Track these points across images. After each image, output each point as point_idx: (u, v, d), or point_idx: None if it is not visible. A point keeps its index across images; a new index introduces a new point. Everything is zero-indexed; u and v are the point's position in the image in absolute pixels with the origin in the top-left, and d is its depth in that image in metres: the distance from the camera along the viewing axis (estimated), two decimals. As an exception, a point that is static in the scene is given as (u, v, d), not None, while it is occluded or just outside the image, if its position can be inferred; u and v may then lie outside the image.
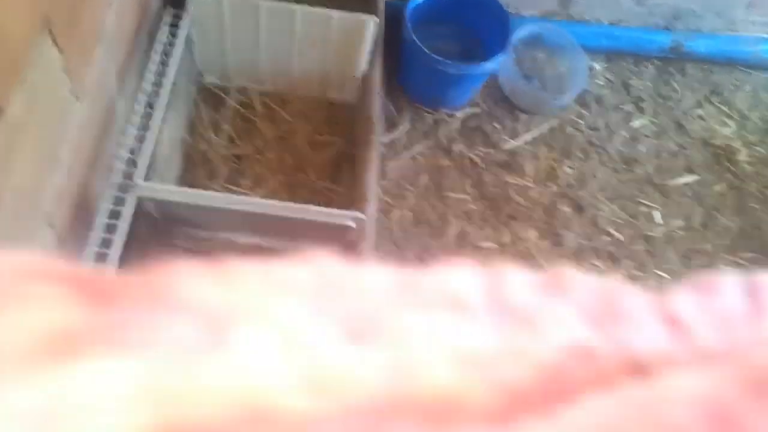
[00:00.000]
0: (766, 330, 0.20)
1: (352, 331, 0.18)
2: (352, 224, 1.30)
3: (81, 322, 0.17)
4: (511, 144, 1.97)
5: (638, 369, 0.18)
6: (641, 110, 2.12)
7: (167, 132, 1.43)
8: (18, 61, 0.89)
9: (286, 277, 0.20)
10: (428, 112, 1.98)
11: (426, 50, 1.78)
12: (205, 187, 1.55)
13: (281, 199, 1.57)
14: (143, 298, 0.18)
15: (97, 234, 1.17)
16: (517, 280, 0.21)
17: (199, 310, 0.18)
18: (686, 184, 2.02)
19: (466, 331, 0.19)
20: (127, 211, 1.19)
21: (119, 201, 1.24)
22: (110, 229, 1.22)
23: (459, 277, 0.21)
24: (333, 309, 0.19)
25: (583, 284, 0.21)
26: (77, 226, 1.21)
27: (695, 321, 0.20)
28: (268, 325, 0.18)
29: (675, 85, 2.20)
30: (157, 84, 1.40)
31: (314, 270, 0.20)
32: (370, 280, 0.20)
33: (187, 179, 1.56)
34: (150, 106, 1.37)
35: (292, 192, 1.60)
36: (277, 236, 1.49)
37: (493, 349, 0.18)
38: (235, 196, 1.27)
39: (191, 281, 0.19)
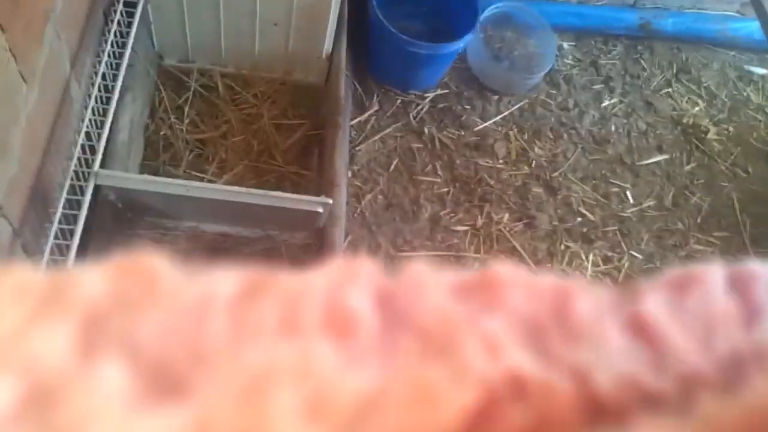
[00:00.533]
0: (758, 334, 0.15)
1: (156, 383, 0.12)
2: (321, 210, 1.26)
3: None
4: (482, 125, 1.94)
5: (597, 412, 0.13)
6: (611, 89, 2.11)
7: (127, 116, 1.37)
8: (-41, 41, 0.83)
9: (64, 290, 0.14)
10: (397, 94, 1.93)
11: (393, 30, 1.73)
12: (169, 174, 1.49)
13: (248, 184, 1.52)
14: None
15: (55, 225, 1.11)
16: (432, 285, 0.15)
17: None
18: (657, 163, 2.01)
19: (339, 369, 0.13)
20: (86, 200, 1.13)
21: (78, 190, 1.18)
22: (69, 219, 1.16)
23: (350, 287, 0.15)
24: (132, 343, 0.13)
25: (523, 286, 0.15)
26: (34, 217, 1.14)
27: (668, 327, 0.15)
28: (18, 371, 0.12)
29: (644, 63, 2.19)
30: (114, 66, 1.33)
31: (117, 280, 0.14)
32: (210, 291, 0.14)
33: (149, 166, 1.50)
34: (107, 89, 1.31)
35: (259, 177, 1.55)
36: (244, 224, 1.44)
37: (381, 395, 0.12)
38: (197, 183, 1.22)
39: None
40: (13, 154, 1.04)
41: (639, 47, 2.21)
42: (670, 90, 2.15)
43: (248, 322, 0.14)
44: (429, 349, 0.14)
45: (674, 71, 2.20)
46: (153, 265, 0.14)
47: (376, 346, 0.14)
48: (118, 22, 1.37)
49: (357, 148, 1.82)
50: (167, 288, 0.14)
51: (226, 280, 0.15)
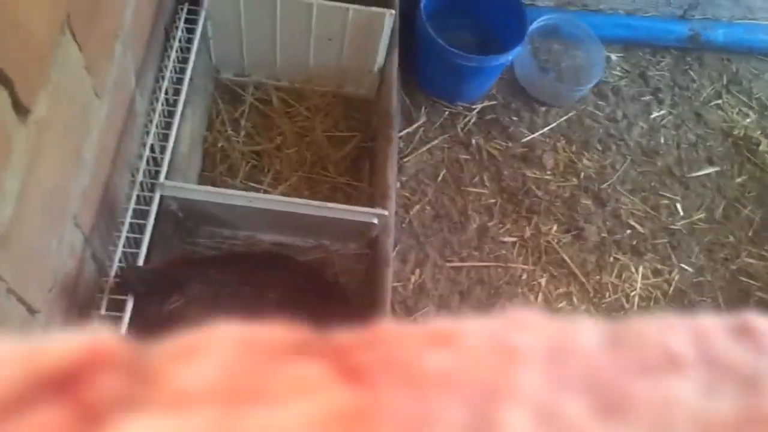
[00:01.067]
0: None
1: (602, 406, 0.16)
2: (376, 221, 1.28)
3: (356, 406, 0.15)
4: (529, 136, 1.94)
5: None
6: (659, 101, 2.10)
7: (187, 129, 1.42)
8: (43, 61, 0.88)
9: (512, 342, 0.18)
10: (445, 106, 1.95)
11: (442, 43, 1.76)
12: (226, 184, 1.54)
13: (302, 195, 1.55)
14: (390, 371, 0.17)
15: (124, 234, 1.15)
16: (717, 329, 0.19)
17: (454, 385, 0.16)
18: (707, 176, 1.99)
19: (699, 397, 0.17)
20: (153, 210, 1.17)
21: (143, 200, 1.23)
22: (134, 228, 1.20)
23: (662, 329, 0.18)
24: (571, 378, 0.17)
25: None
26: (102, 226, 1.19)
27: None
28: (519, 402, 0.16)
29: (693, 74, 2.17)
30: (175, 81, 1.38)
31: (534, 331, 0.18)
32: (584, 339, 0.18)
33: (207, 177, 1.54)
34: (168, 103, 1.35)
35: (312, 188, 1.58)
36: (299, 233, 1.47)
37: (733, 416, 0.16)
38: (259, 195, 1.26)
39: (421, 348, 0.17)
40: (87, 166, 1.08)
41: (688, 58, 2.20)
42: (720, 101, 2.14)
43: (628, 363, 0.17)
44: (741, 383, 0.17)
45: (724, 82, 2.18)
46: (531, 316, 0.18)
47: (707, 379, 0.17)
48: (179, 38, 1.42)
49: (405, 159, 1.84)
50: (552, 334, 0.18)
51: (592, 329, 0.18)
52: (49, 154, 0.93)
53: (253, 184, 1.55)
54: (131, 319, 1.11)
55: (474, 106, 1.97)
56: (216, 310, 1.18)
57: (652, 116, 2.06)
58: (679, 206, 1.93)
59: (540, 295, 1.73)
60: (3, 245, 0.82)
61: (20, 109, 0.82)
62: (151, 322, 1.13)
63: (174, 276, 1.16)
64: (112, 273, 1.12)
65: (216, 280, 1.21)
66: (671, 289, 1.80)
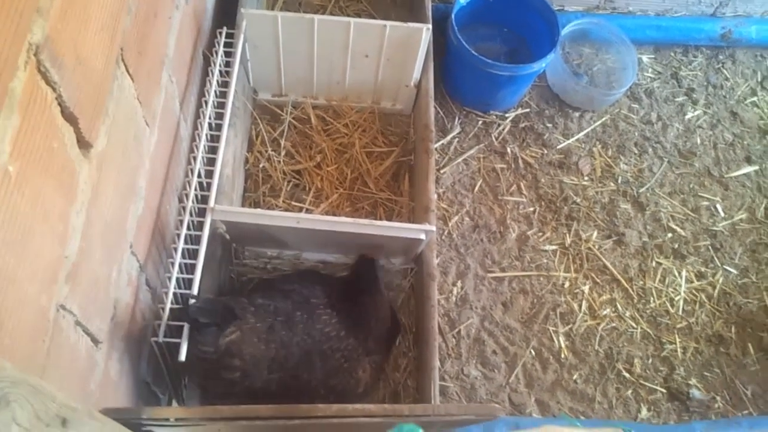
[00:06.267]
0: None
1: None
2: (423, 237, 1.28)
3: None
4: (565, 143, 1.93)
5: None
6: (694, 101, 2.08)
7: (230, 152, 1.43)
8: (101, 95, 0.89)
9: None
10: (478, 115, 1.95)
11: (474, 53, 1.75)
12: (269, 204, 1.55)
13: (344, 212, 1.56)
14: None
15: (178, 259, 1.16)
16: None
17: None
18: (746, 175, 1.97)
19: None
20: (205, 235, 1.18)
21: (194, 225, 1.24)
22: (185, 253, 1.21)
23: None
24: None
25: None
26: (154, 252, 1.20)
27: None
28: None
29: (726, 72, 2.15)
30: (217, 105, 1.39)
31: None
32: None
33: (250, 197, 1.55)
34: (211, 127, 1.36)
35: (353, 204, 1.59)
36: (343, 251, 1.47)
37: None
38: (307, 216, 1.27)
39: None
40: (140, 195, 1.10)
41: (720, 56, 2.18)
42: (755, 99, 2.11)
43: None
44: None
45: (759, 79, 2.16)
46: None
47: None
48: (218, 63, 1.43)
49: (441, 171, 1.84)
50: None
51: None
52: (108, 186, 0.94)
53: (295, 203, 1.56)
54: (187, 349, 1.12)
55: (507, 115, 1.96)
56: (272, 339, 1.19)
57: (687, 117, 2.05)
58: (719, 207, 1.91)
59: (584, 302, 1.71)
60: (72, 279, 0.83)
61: (83, 144, 0.83)
62: (207, 354, 1.13)
63: (231, 307, 1.16)
64: (168, 299, 1.13)
65: (269, 310, 1.21)
66: (716, 291, 1.78)
